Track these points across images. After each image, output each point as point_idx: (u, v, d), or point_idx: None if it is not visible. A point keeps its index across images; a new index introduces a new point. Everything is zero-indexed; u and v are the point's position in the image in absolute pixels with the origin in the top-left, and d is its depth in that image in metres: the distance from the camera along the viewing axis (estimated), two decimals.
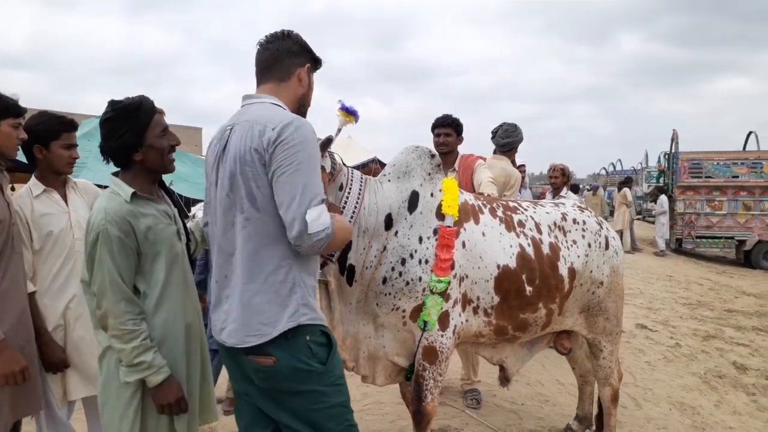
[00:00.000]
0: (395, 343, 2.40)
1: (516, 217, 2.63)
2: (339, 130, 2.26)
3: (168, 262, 1.86)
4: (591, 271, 2.75)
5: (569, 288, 2.67)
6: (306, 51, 1.85)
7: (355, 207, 2.22)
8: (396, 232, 2.31)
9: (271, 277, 1.65)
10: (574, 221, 2.78)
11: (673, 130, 13.37)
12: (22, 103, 2.18)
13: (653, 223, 15.56)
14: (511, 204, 2.73)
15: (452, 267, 2.31)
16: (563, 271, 2.63)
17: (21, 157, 2.33)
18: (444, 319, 2.33)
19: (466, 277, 2.38)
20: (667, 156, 13.92)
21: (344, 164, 2.30)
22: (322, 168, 1.96)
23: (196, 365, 1.96)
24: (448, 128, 3.69)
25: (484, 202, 2.61)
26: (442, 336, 2.34)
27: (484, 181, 3.44)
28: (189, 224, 2.12)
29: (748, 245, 12.17)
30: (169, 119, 2.05)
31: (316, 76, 1.94)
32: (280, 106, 1.75)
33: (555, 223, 2.73)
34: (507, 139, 4.11)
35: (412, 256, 2.29)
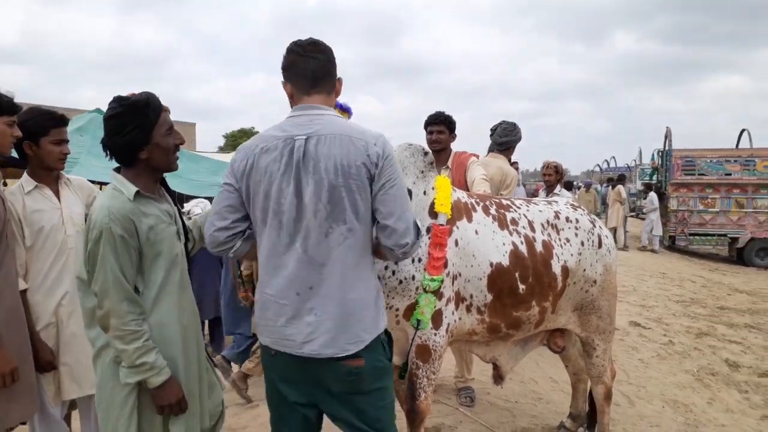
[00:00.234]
0: None
1: (509, 215, 2.63)
2: None
3: (167, 263, 1.83)
4: (584, 270, 2.75)
5: (562, 286, 2.67)
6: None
7: None
8: None
9: (368, 286, 1.75)
10: (567, 219, 2.78)
11: (667, 127, 13.44)
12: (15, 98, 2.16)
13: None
14: (504, 202, 2.72)
15: (445, 265, 2.30)
16: (556, 269, 2.63)
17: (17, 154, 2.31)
18: (437, 318, 2.32)
19: (459, 275, 2.38)
20: (660, 153, 13.97)
21: None
22: None
23: (194, 365, 1.93)
24: (441, 125, 3.68)
25: (477, 200, 2.60)
26: (435, 334, 2.33)
27: (478, 179, 3.43)
28: (188, 223, 2.10)
29: (740, 242, 12.25)
30: None
31: None
32: (340, 117, 1.79)
33: (548, 221, 2.72)
34: (505, 138, 4.10)
35: None
